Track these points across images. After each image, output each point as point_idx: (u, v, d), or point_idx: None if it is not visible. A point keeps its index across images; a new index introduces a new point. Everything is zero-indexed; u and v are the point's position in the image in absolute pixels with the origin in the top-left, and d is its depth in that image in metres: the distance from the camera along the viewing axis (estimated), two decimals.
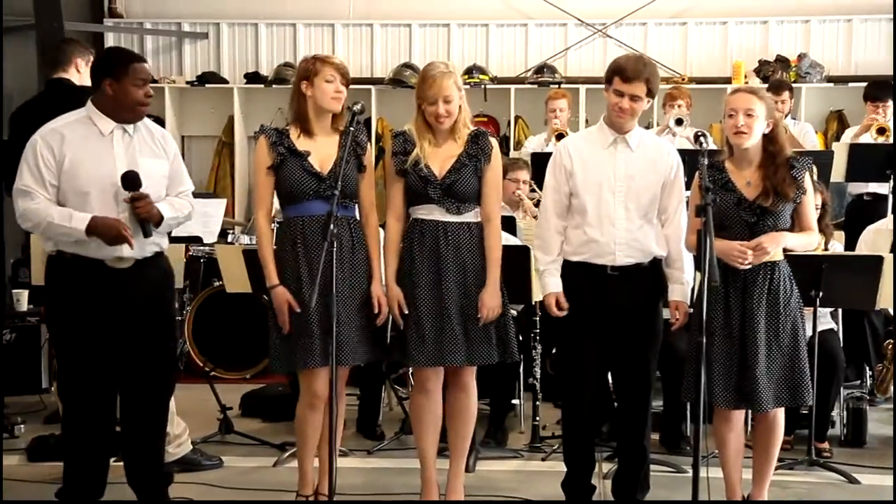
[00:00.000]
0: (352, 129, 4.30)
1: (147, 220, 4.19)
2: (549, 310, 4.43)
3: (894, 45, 8.49)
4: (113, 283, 4.21)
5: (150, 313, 4.31)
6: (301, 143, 4.37)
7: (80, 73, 5.42)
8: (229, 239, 7.79)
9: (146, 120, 4.40)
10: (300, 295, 4.28)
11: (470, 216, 4.40)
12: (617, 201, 4.35)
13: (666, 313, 4.52)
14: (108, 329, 4.21)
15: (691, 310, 4.37)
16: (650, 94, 4.33)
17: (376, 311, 4.37)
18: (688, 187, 4.54)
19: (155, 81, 9.61)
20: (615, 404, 4.72)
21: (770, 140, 4.29)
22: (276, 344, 4.38)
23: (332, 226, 4.06)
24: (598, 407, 4.63)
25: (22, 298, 6.78)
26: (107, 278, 4.21)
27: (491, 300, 4.35)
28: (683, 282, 4.42)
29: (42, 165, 4.15)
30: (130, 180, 4.15)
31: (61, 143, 4.17)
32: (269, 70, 9.69)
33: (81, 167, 4.16)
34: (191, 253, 7.18)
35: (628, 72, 4.28)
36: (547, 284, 4.46)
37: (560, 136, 7.14)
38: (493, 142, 4.47)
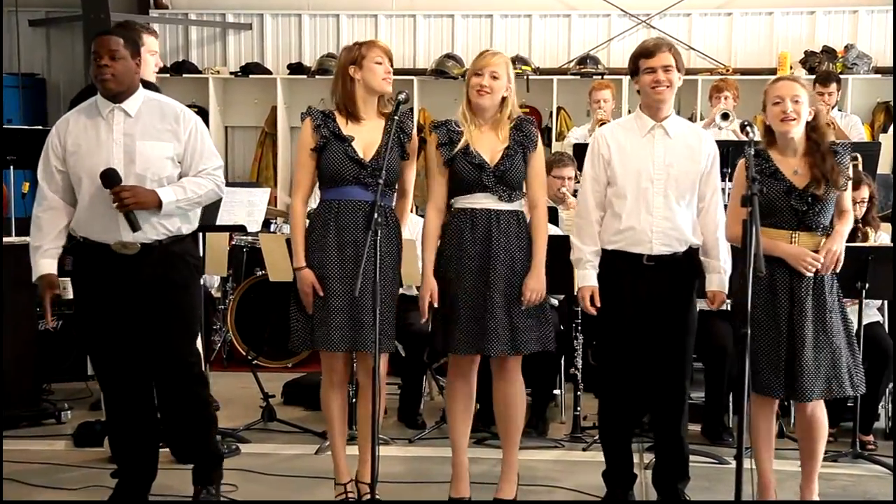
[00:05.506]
0: (396, 116, 4.29)
1: (134, 211, 4.12)
2: (583, 303, 4.41)
3: None
4: (119, 268, 4.20)
5: (156, 299, 4.23)
6: (347, 129, 4.37)
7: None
8: (272, 229, 7.83)
9: (162, 100, 4.37)
10: (323, 276, 4.30)
11: (519, 204, 4.40)
12: (656, 189, 4.32)
13: (701, 303, 4.49)
14: (119, 315, 4.22)
15: (729, 300, 4.34)
16: (678, 67, 4.33)
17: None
18: (732, 178, 4.50)
19: (199, 72, 9.74)
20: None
21: (813, 128, 4.27)
22: (299, 323, 4.40)
23: (376, 214, 4.06)
24: (638, 397, 4.61)
25: (68, 287, 6.84)
26: (113, 263, 4.21)
27: (535, 283, 4.34)
28: (721, 271, 4.38)
29: (51, 152, 4.25)
30: (107, 177, 4.13)
31: (66, 128, 4.25)
32: (312, 61, 9.73)
33: (78, 154, 4.21)
34: (234, 242, 7.23)
35: (650, 48, 4.37)
36: (584, 277, 4.42)
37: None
38: (535, 129, 4.48)
